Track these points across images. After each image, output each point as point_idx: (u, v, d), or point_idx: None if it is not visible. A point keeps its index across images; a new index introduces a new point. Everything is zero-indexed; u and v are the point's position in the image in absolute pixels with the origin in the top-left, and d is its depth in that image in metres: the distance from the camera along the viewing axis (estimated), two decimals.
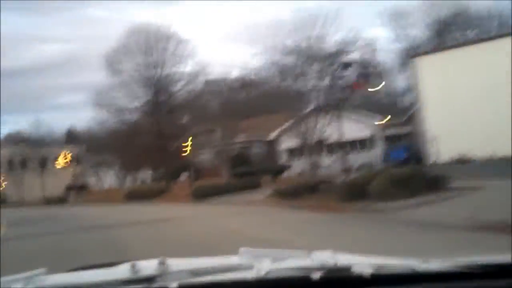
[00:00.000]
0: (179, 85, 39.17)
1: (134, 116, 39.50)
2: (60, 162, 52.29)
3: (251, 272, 1.28)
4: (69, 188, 60.28)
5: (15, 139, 57.72)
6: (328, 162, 27.83)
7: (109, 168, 46.84)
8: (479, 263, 1.31)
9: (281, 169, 31.61)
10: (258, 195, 21.04)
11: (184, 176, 34.96)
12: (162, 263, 1.32)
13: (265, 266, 1.30)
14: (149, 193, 30.88)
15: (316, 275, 1.25)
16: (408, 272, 1.30)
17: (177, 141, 33.39)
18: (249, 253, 1.44)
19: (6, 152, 52.39)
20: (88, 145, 51.88)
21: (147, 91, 38.35)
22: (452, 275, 1.29)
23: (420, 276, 1.28)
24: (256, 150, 35.58)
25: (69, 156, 50.44)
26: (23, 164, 54.58)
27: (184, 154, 32.38)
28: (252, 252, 1.43)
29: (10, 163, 54.26)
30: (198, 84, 40.00)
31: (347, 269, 1.29)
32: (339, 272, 1.29)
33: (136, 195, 31.38)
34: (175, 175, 36.23)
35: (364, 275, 1.25)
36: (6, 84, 72.09)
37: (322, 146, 27.00)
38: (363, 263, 1.31)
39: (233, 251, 1.48)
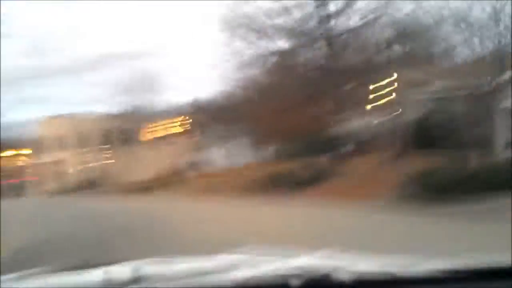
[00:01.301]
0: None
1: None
2: (175, 131, 39.03)
3: (229, 278, 1.25)
4: (187, 166, 50.80)
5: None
6: None
7: (238, 141, 33.91)
8: (477, 264, 1.30)
9: None
10: None
11: (345, 150, 22.35)
12: (136, 268, 1.29)
13: (241, 272, 1.26)
14: (300, 180, 18.72)
15: (295, 282, 1.24)
16: (388, 279, 1.28)
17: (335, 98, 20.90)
18: (228, 255, 1.40)
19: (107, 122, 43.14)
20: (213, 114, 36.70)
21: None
22: (433, 280, 1.27)
23: (402, 281, 1.27)
24: (461, 108, 21.73)
25: (187, 123, 35.85)
26: (130, 137, 45.33)
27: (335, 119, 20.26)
28: (230, 254, 1.39)
29: (119, 136, 45.01)
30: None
31: (327, 276, 1.26)
32: (319, 279, 1.26)
33: (278, 182, 19.45)
34: (319, 150, 23.53)
35: (345, 282, 1.24)
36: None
37: None
38: (343, 269, 1.27)
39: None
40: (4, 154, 54.05)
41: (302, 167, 19.27)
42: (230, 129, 30.20)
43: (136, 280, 1.26)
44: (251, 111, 24.46)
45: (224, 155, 29.71)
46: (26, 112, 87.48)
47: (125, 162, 42.39)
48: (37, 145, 55.02)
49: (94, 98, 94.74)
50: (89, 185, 42.74)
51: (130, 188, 34.08)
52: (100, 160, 40.00)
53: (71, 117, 52.10)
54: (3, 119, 57.42)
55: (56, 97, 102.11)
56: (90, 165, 42.52)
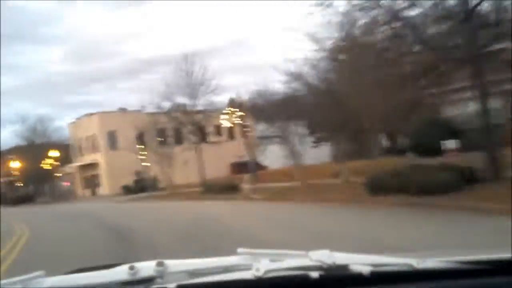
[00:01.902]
0: None
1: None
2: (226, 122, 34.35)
3: (250, 272, 1.26)
4: (237, 167, 47.17)
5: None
6: None
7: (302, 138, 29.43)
8: (478, 260, 1.33)
9: None
10: None
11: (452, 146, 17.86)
12: (160, 264, 1.30)
13: (263, 266, 1.28)
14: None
15: (314, 274, 1.26)
16: (406, 270, 1.29)
17: None
18: (247, 253, 1.37)
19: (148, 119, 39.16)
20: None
21: None
22: (450, 273, 1.30)
23: (419, 273, 1.29)
24: None
25: (236, 114, 30.50)
26: (176, 136, 42.06)
27: None
28: (250, 253, 1.37)
29: (157, 134, 42.08)
30: None
31: (345, 267, 1.28)
32: (337, 271, 1.28)
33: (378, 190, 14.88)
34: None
35: (363, 274, 1.25)
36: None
37: None
38: (361, 262, 1.30)
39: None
40: (53, 156, 52.28)
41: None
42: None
43: (159, 276, 1.28)
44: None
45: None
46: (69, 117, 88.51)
47: (184, 162, 39.20)
48: (85, 144, 52.75)
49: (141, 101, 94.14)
50: (147, 187, 39.63)
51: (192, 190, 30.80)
52: (157, 160, 36.57)
53: (123, 112, 49.39)
54: (49, 123, 56.31)
55: (97, 102, 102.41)
56: (146, 164, 39.15)
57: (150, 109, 38.00)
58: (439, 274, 1.29)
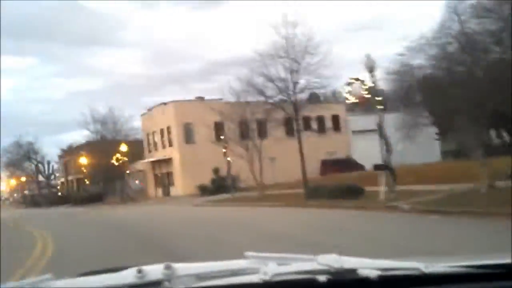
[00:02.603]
0: None
1: None
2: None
3: (257, 276, 1.27)
4: (329, 166, 40.24)
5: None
6: None
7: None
8: (485, 264, 1.32)
9: None
10: None
11: None
12: (168, 268, 1.29)
13: (271, 269, 1.28)
14: None
15: (322, 278, 1.25)
16: (414, 274, 1.29)
17: None
18: (255, 257, 1.37)
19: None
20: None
21: None
22: (457, 277, 1.29)
23: (427, 278, 1.28)
24: None
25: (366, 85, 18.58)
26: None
27: None
28: (258, 256, 1.37)
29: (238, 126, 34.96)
30: None
31: (353, 271, 1.27)
32: (345, 275, 1.27)
33: None
34: None
35: (370, 278, 1.24)
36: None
37: None
38: (369, 266, 1.29)
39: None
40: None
41: None
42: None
43: (167, 279, 1.27)
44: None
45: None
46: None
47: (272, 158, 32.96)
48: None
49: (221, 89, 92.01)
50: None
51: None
52: (241, 155, 30.17)
53: (200, 101, 43.81)
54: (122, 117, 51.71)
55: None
56: (228, 159, 32.91)
57: (232, 98, 31.37)
58: (446, 278, 1.29)
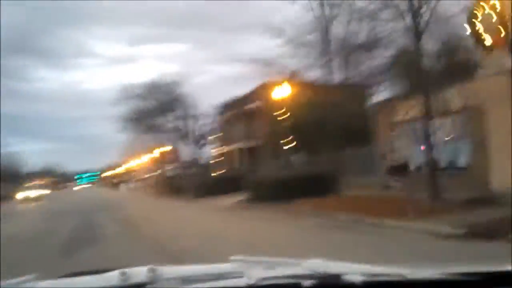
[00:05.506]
0: None
1: None
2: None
3: (242, 280, 1.26)
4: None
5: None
6: None
7: None
8: (469, 271, 1.30)
9: None
10: None
11: None
12: (152, 271, 1.28)
13: (256, 273, 1.27)
14: None
15: (307, 283, 1.24)
16: (398, 280, 1.27)
17: None
18: (240, 261, 1.40)
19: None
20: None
21: None
22: (442, 284, 1.28)
23: (411, 284, 1.27)
24: None
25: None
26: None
27: None
28: (243, 260, 1.40)
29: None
30: None
31: (337, 277, 1.26)
32: (329, 280, 1.26)
33: None
34: None
35: (355, 283, 1.23)
36: None
37: None
38: (353, 271, 1.28)
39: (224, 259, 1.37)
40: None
41: None
42: None
43: (151, 282, 1.24)
44: None
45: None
46: None
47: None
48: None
49: None
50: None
51: None
52: None
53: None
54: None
55: None
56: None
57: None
58: (430, 285, 1.27)
